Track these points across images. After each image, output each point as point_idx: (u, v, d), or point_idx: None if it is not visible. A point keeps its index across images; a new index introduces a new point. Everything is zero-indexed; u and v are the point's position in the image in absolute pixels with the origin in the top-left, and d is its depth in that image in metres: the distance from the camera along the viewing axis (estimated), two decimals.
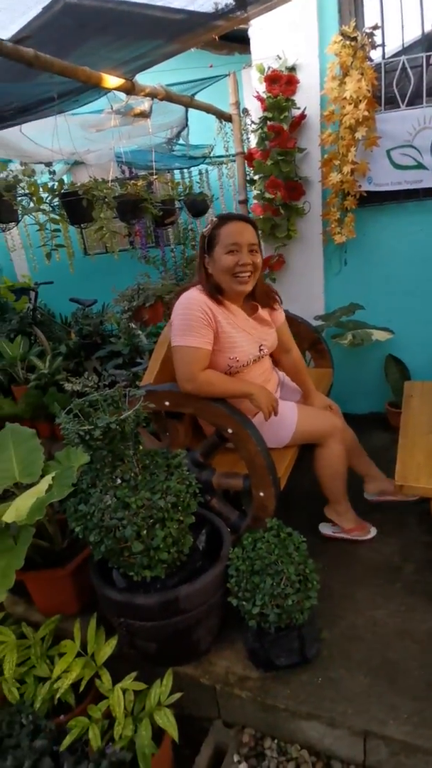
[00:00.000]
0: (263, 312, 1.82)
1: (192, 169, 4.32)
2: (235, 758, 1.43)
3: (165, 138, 3.11)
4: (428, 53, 2.34)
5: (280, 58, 2.47)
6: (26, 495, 1.37)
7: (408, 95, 2.40)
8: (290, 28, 2.43)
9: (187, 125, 3.08)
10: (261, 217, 2.62)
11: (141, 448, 1.39)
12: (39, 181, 2.71)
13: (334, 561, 1.94)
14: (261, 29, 2.51)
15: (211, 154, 3.73)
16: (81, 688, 1.41)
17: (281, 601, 1.35)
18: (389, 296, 2.76)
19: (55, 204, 2.55)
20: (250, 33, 2.54)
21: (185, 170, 4.27)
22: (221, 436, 1.63)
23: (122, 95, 2.34)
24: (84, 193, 2.37)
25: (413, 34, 2.45)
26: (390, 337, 2.62)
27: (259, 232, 2.69)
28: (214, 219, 1.66)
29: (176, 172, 4.39)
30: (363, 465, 2.10)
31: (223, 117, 3.15)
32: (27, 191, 2.43)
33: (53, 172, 2.77)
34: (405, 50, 2.42)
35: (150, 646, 1.44)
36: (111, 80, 2.02)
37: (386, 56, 2.42)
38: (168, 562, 1.36)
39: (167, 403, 1.66)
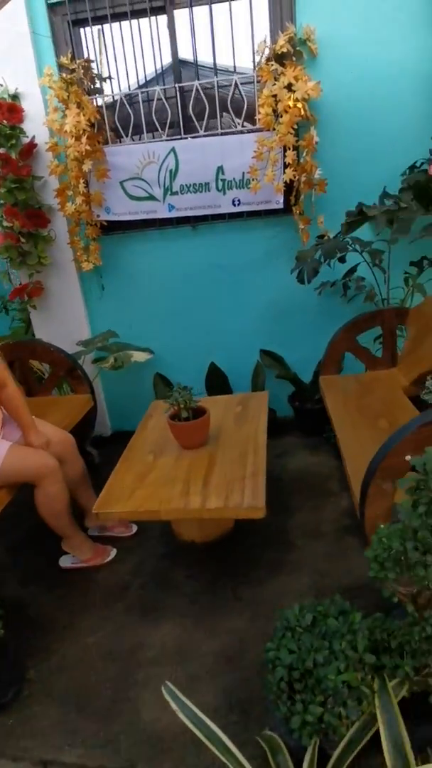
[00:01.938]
0: None
1: None
2: None
3: None
4: (144, 89, 2.47)
5: (0, 85, 2.42)
6: None
7: (130, 130, 2.52)
8: (6, 54, 2.39)
9: None
10: (3, 245, 2.56)
11: None
12: None
13: (71, 590, 2.00)
14: None
15: None
16: None
17: None
18: (150, 317, 2.90)
19: None
20: None
21: None
22: None
23: None
24: None
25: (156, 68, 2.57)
26: (149, 358, 2.76)
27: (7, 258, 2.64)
28: None
29: None
30: (85, 499, 2.14)
31: None
32: None
33: None
34: (141, 86, 2.53)
35: None
36: None
37: (123, 91, 2.49)
38: None
39: None
